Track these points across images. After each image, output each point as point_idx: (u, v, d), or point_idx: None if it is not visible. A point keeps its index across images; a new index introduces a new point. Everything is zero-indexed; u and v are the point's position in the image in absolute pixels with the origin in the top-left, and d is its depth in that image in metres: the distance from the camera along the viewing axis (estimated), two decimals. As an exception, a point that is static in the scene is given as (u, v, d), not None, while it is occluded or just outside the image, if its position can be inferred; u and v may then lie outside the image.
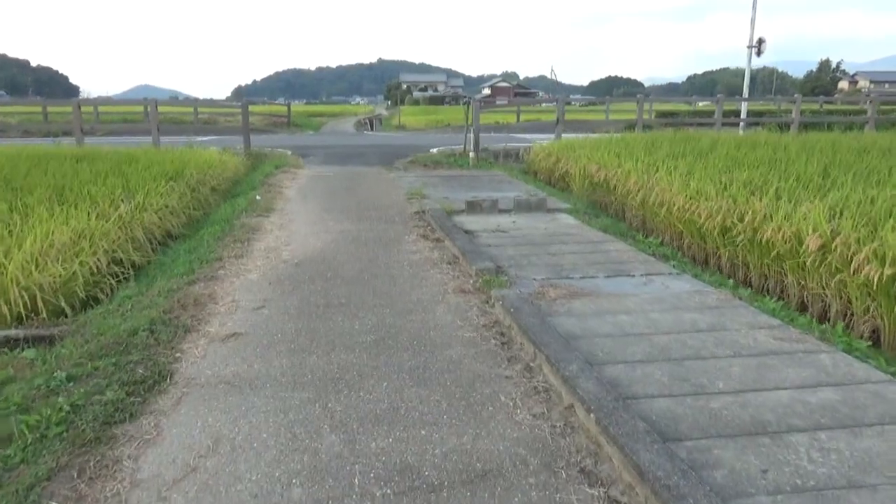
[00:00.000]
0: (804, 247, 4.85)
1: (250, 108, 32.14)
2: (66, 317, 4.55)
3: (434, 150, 16.37)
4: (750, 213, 5.61)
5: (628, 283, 4.91)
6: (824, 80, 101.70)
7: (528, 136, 21.79)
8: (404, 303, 4.50)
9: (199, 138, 21.76)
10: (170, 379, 3.28)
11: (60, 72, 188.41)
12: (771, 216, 5.42)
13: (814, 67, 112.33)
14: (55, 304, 4.64)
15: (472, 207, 7.82)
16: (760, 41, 18.81)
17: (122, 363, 3.39)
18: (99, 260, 5.21)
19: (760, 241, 5.36)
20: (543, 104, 39.23)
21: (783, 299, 5.17)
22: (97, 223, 5.77)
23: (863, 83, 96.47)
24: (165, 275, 5.35)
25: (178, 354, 3.60)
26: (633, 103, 21.22)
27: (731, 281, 5.37)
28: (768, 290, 5.47)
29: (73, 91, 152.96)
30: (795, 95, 19.75)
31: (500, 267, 5.23)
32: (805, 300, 5.08)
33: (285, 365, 3.47)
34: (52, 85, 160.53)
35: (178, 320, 4.08)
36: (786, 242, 5.06)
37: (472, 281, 4.93)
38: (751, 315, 4.11)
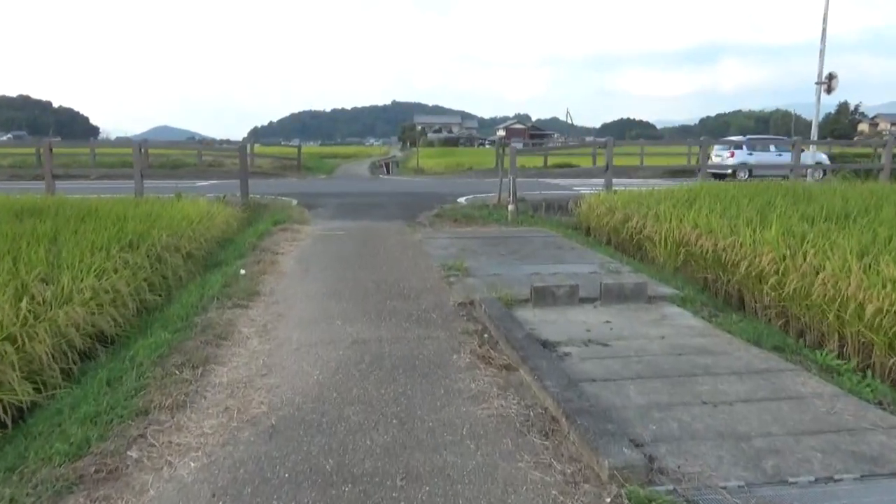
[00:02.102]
0: None
1: (258, 149, 30.37)
2: None
3: (462, 201, 14.11)
4: None
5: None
6: (843, 122, 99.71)
7: (561, 181, 19.55)
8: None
9: (201, 183, 19.72)
10: None
11: (81, 112, 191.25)
12: None
13: (830, 110, 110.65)
14: None
15: (542, 296, 5.44)
16: (831, 77, 16.58)
17: None
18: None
19: None
20: (580, 147, 36.62)
21: None
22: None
23: (883, 125, 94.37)
24: (36, 450, 2.98)
25: None
26: (681, 146, 19.12)
27: None
28: None
29: (92, 131, 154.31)
30: (886, 136, 17.35)
31: (650, 456, 2.81)
32: None
33: None
34: (73, 125, 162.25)
35: None
36: None
37: (608, 499, 2.51)
38: None
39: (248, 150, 27.11)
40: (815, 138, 17.47)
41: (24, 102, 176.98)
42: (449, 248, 8.13)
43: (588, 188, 17.38)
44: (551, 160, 28.06)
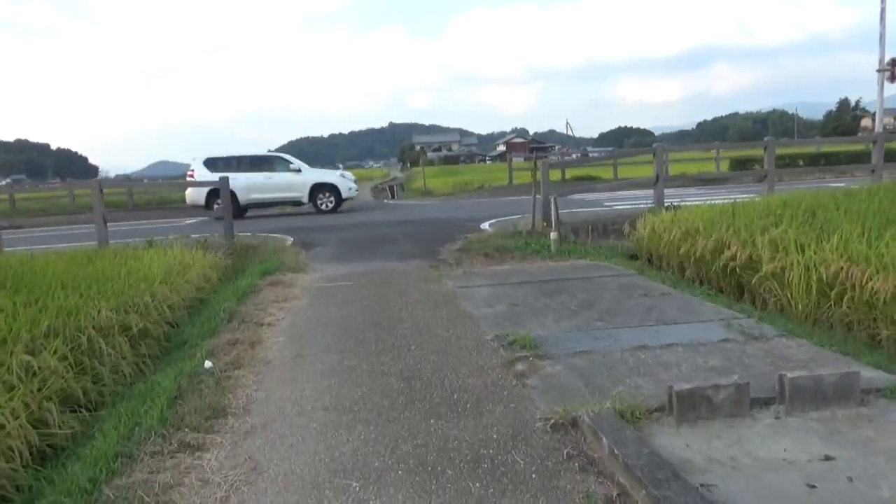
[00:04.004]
0: None
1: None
2: None
3: (487, 227, 11.98)
4: None
5: None
6: (845, 118, 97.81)
7: (588, 196, 17.41)
8: None
9: (188, 221, 17.69)
10: None
11: (79, 153, 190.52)
12: None
13: (830, 108, 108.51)
14: None
15: (689, 404, 3.25)
16: (894, 62, 14.47)
17: None
18: None
19: None
20: (617, 157, 33.78)
21: None
22: None
23: (888, 119, 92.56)
24: None
25: None
26: (752, 148, 16.97)
27: None
28: None
29: (92, 171, 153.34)
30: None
31: None
32: None
33: None
34: (72, 166, 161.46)
35: None
36: None
37: None
38: None
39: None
40: (880, 130, 15.35)
41: (23, 146, 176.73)
42: (494, 302, 5.97)
43: (622, 203, 15.28)
44: (568, 174, 25.96)
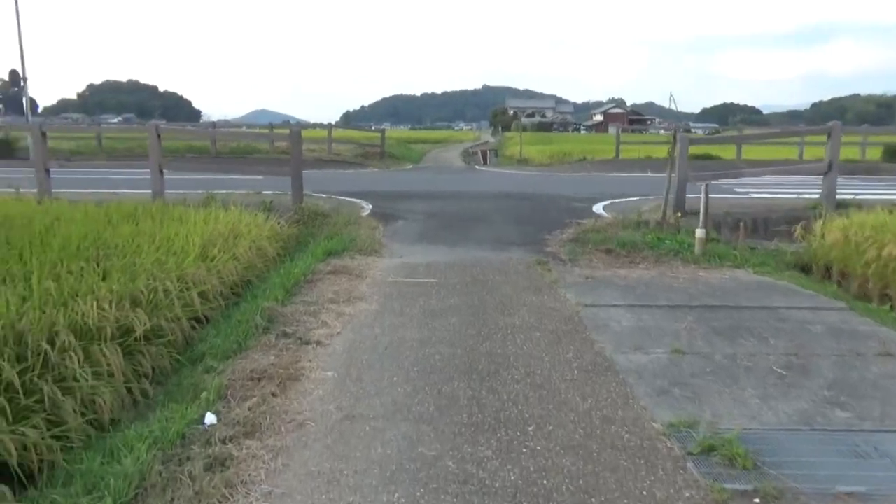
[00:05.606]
0: None
1: (337, 133, 26.91)
2: None
3: (601, 211, 9.90)
4: None
5: None
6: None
7: (722, 183, 14.79)
8: None
9: (258, 176, 16.41)
10: None
11: (185, 97, 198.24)
12: None
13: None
14: None
15: None
16: None
17: None
18: None
19: None
20: (789, 134, 28.07)
21: None
22: None
23: None
24: None
25: None
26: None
27: None
28: None
29: (195, 115, 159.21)
30: None
31: None
32: None
33: None
34: (177, 109, 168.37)
35: None
36: None
37: None
38: None
39: (328, 135, 24.03)
40: None
41: (134, 87, 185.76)
42: (644, 340, 4.01)
43: (759, 191, 12.70)
44: (632, 152, 23.03)
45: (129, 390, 3.58)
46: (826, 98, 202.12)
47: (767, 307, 4.87)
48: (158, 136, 8.93)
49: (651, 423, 2.91)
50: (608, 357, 3.76)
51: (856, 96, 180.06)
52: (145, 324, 3.96)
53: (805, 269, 6.90)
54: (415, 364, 3.69)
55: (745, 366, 3.64)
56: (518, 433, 2.84)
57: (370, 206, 10.05)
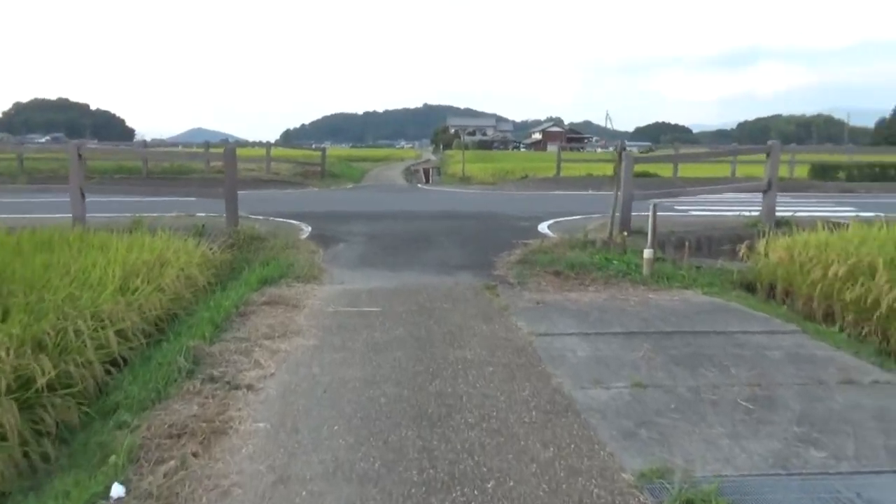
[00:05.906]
0: None
1: (276, 152, 26.16)
2: None
3: (546, 230, 9.78)
4: None
5: None
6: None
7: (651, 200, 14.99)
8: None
9: (194, 198, 15.65)
10: None
11: (118, 115, 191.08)
12: None
13: (884, 115, 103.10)
14: None
15: None
16: None
17: None
18: None
19: None
20: (726, 154, 29.79)
21: None
22: None
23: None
24: None
25: None
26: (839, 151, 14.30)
27: None
28: None
29: (128, 134, 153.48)
30: None
31: None
32: None
33: None
34: (110, 128, 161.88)
35: None
36: None
37: None
38: None
39: (267, 154, 23.30)
40: None
41: (64, 105, 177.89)
42: (603, 373, 3.78)
43: (697, 209, 12.89)
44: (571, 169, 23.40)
45: (26, 454, 3.10)
46: (751, 118, 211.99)
47: (723, 332, 4.74)
48: (80, 156, 8.27)
49: (620, 474, 2.65)
50: (567, 394, 3.50)
51: (778, 116, 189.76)
52: (49, 372, 3.48)
53: (749, 288, 6.88)
54: (358, 409, 3.33)
55: (710, 399, 3.45)
56: (476, 492, 2.53)
57: (309, 229, 9.61)
